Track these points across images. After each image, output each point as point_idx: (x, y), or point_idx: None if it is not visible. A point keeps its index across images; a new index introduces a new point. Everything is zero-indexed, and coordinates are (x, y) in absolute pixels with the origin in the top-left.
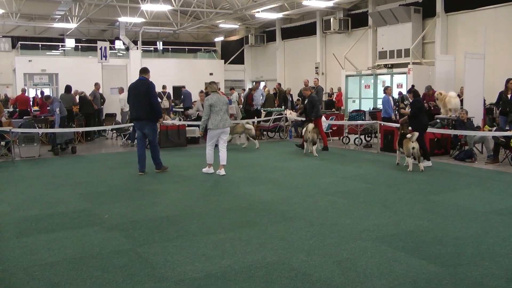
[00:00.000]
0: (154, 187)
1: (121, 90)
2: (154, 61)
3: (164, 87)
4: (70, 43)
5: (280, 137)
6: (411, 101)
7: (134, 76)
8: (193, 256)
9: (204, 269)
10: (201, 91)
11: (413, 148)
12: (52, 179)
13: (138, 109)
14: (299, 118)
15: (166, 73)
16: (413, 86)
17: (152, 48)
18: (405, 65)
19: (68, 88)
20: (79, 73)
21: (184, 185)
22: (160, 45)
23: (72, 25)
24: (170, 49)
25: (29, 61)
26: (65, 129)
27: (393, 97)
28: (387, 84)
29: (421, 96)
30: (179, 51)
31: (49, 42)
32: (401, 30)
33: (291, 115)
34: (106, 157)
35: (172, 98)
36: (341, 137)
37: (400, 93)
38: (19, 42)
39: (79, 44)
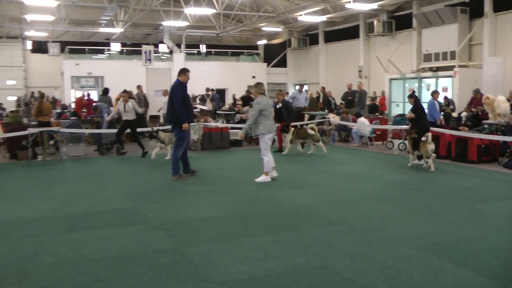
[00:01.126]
0: (197, 188)
1: (165, 93)
2: (197, 64)
3: (207, 89)
4: (115, 47)
5: (323, 141)
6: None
7: None
8: (237, 258)
9: (247, 272)
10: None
11: (432, 149)
12: (97, 178)
13: (167, 112)
14: (342, 122)
15: (209, 76)
16: (413, 92)
17: (195, 51)
18: (450, 68)
19: (105, 91)
20: (123, 76)
21: (227, 187)
22: (203, 48)
23: (117, 30)
24: (213, 52)
25: (76, 64)
26: (110, 130)
27: (438, 102)
28: (432, 87)
29: (469, 100)
30: (222, 54)
31: (95, 46)
32: (447, 31)
33: (334, 118)
34: (148, 157)
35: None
36: (385, 142)
37: (446, 98)
38: (67, 47)
39: (124, 48)
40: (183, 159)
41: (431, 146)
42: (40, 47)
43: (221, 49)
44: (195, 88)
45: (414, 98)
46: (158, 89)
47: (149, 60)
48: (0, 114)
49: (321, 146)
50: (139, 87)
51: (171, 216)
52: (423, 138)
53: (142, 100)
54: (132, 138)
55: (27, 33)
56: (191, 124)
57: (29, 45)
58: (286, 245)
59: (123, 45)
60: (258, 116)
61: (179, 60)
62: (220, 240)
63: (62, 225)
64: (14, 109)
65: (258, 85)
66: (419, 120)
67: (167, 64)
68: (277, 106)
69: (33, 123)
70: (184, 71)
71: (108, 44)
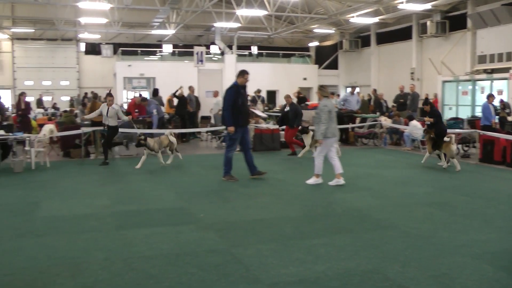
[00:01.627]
0: (248, 190)
1: (215, 94)
2: (249, 65)
3: (258, 91)
4: (167, 48)
5: (375, 144)
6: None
7: (229, 80)
8: (287, 260)
9: (298, 274)
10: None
11: (456, 149)
12: (149, 177)
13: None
14: (394, 125)
15: (260, 77)
16: (427, 98)
17: (246, 53)
18: (506, 70)
19: (155, 91)
20: (175, 77)
21: (278, 189)
22: (254, 50)
23: (169, 32)
24: (264, 53)
25: (129, 65)
26: (161, 130)
27: (493, 105)
28: (487, 90)
29: None
30: (273, 56)
31: (148, 48)
32: (503, 31)
33: (386, 121)
34: (201, 158)
35: (265, 102)
36: None
37: (501, 101)
38: (120, 49)
39: (176, 49)
40: (247, 161)
41: (454, 147)
42: (93, 49)
43: (272, 50)
44: (247, 89)
45: (430, 105)
46: (210, 90)
47: (201, 61)
48: (54, 113)
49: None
50: (190, 88)
51: (222, 216)
52: (446, 139)
53: (194, 101)
54: (103, 143)
55: (81, 36)
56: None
57: (82, 47)
58: (336, 248)
59: (175, 46)
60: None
61: (231, 61)
62: (270, 241)
63: (114, 222)
64: (68, 109)
65: (323, 87)
66: (436, 124)
67: (218, 65)
68: (285, 110)
69: (86, 122)
70: (242, 73)
71: (160, 46)
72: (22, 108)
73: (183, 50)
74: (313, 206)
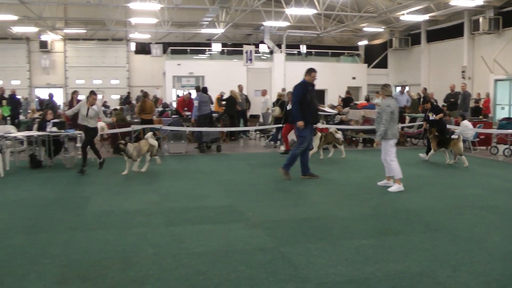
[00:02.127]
0: (296, 189)
1: (264, 92)
2: (297, 64)
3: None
4: (216, 47)
5: (424, 144)
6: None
7: (277, 79)
8: (336, 260)
9: (347, 274)
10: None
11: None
12: (197, 175)
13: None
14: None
15: None
16: (425, 96)
17: (295, 52)
18: None
19: (204, 89)
20: (224, 75)
21: (327, 188)
22: (303, 49)
23: (218, 31)
24: (313, 52)
25: (178, 64)
26: (210, 128)
27: None
28: None
29: None
30: (322, 55)
31: (197, 47)
32: None
33: None
34: (250, 157)
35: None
36: (489, 147)
37: None
38: (170, 48)
39: (225, 48)
40: (301, 160)
41: (462, 144)
42: (143, 49)
43: (321, 49)
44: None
45: (430, 103)
46: (258, 89)
47: (250, 60)
48: (104, 111)
49: (342, 150)
50: (239, 86)
51: (270, 215)
52: (454, 136)
53: (244, 99)
54: (83, 145)
55: (131, 36)
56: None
57: (133, 46)
58: (386, 250)
59: (224, 45)
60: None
61: (279, 60)
62: (319, 241)
63: (163, 218)
64: (118, 107)
65: (385, 86)
66: (440, 120)
67: (267, 64)
68: (288, 108)
69: (136, 120)
70: (310, 71)
71: (209, 45)
72: (74, 106)
73: (232, 49)
74: (361, 206)
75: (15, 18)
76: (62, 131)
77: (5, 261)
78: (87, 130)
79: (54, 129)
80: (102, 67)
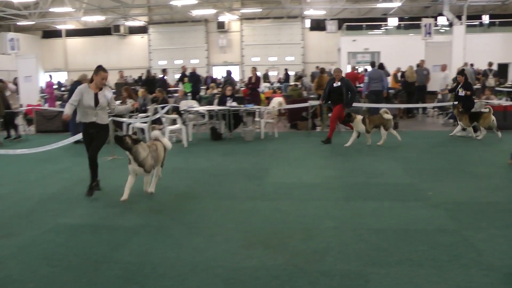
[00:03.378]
0: (478, 170)
1: (443, 67)
2: (478, 36)
3: (490, 64)
4: (392, 22)
5: None
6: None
7: (457, 53)
8: None
9: None
10: None
11: (493, 120)
12: (374, 152)
13: None
14: None
15: (491, 49)
16: (463, 69)
17: (477, 23)
18: None
19: (380, 66)
20: (400, 51)
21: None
22: (486, 19)
23: (395, 4)
24: (497, 22)
25: (353, 40)
26: (388, 104)
27: None
28: None
29: None
30: (507, 25)
31: (372, 22)
32: None
33: None
34: (427, 134)
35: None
36: None
37: None
38: (345, 24)
39: (401, 23)
40: None
41: (493, 117)
42: (318, 25)
43: (506, 18)
44: (476, 62)
45: (464, 76)
46: (437, 64)
47: (429, 33)
48: (279, 87)
49: (396, 134)
50: (421, 62)
51: (452, 196)
52: (485, 109)
53: (423, 75)
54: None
55: (306, 13)
56: None
57: (308, 23)
58: None
59: (400, 19)
60: None
61: (459, 33)
62: (504, 228)
63: (342, 193)
64: (294, 83)
65: None
66: (470, 96)
67: (446, 38)
68: (334, 85)
69: (312, 96)
70: None
71: (385, 19)
72: (253, 82)
73: (409, 23)
74: None
75: (195, 2)
76: (242, 106)
77: (193, 222)
78: (95, 128)
79: (234, 104)
80: (277, 44)
